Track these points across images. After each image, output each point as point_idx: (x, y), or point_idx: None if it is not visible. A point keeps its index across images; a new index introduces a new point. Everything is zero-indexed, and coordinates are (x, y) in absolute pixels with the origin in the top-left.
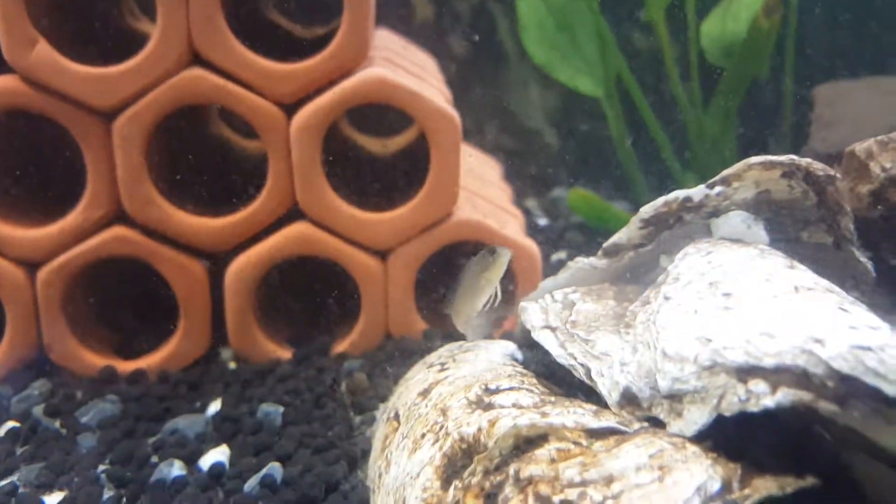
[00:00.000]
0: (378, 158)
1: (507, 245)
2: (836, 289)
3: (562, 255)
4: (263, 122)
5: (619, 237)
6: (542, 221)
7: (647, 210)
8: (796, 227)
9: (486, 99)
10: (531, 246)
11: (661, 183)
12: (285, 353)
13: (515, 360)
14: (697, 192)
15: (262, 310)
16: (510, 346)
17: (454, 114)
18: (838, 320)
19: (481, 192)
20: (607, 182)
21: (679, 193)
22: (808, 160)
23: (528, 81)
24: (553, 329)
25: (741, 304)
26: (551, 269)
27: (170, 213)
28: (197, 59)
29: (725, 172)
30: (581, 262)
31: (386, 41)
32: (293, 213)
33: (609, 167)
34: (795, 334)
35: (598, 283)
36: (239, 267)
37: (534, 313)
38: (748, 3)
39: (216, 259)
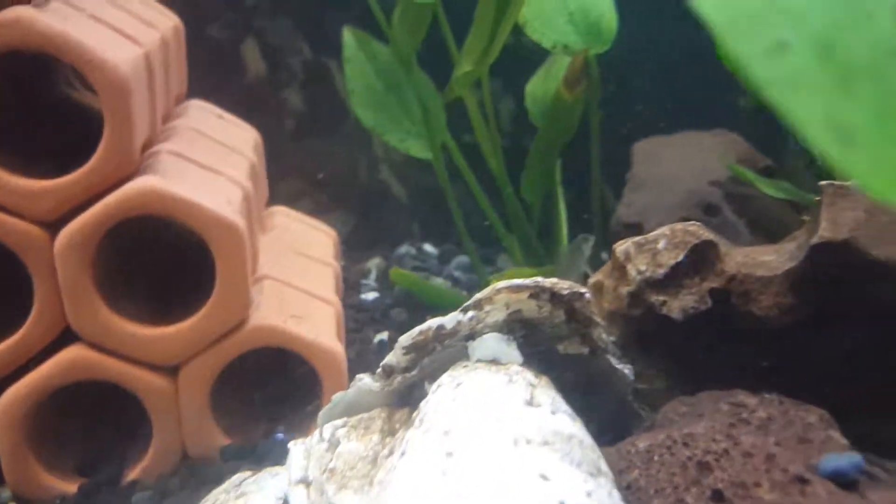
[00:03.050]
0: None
1: (306, 350)
2: (563, 429)
3: (384, 335)
4: (22, 244)
5: (389, 359)
6: (371, 296)
7: (405, 339)
8: (553, 341)
9: (327, 154)
10: (335, 350)
11: (494, 245)
12: (71, 487)
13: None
14: (450, 319)
15: (43, 441)
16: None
17: (235, 221)
18: (527, 499)
19: (296, 279)
20: (455, 237)
21: (432, 323)
22: (554, 281)
23: (371, 134)
24: (308, 484)
25: (455, 468)
26: (372, 352)
27: None
28: None
29: (477, 296)
30: (363, 380)
31: (192, 120)
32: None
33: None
34: None
35: (376, 407)
36: (7, 401)
37: (296, 459)
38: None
39: None
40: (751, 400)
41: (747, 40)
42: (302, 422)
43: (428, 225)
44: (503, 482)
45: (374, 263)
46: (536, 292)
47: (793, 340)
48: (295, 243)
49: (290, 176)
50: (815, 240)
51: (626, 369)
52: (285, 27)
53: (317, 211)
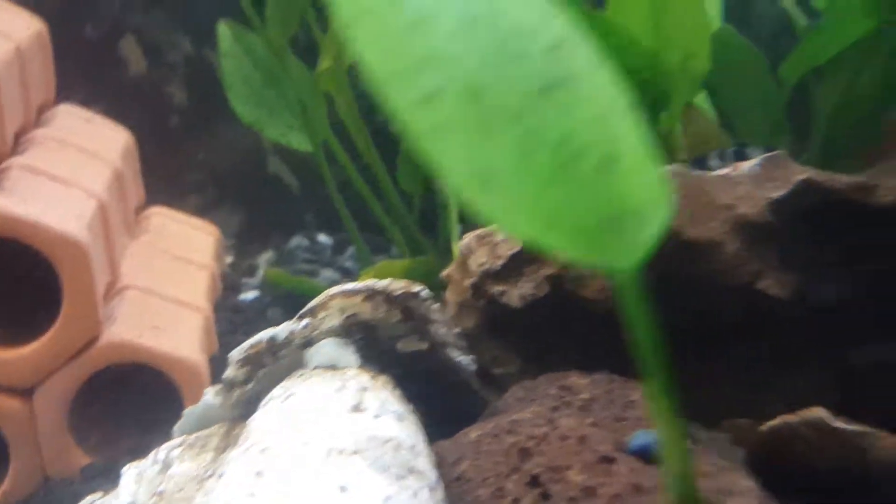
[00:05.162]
0: None
1: (163, 363)
2: (382, 433)
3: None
4: None
5: (227, 373)
6: (251, 296)
7: (236, 353)
8: (392, 340)
9: (215, 147)
10: (193, 361)
11: (382, 236)
12: None
13: None
14: (282, 329)
15: None
16: None
17: (80, 238)
18: None
19: (162, 287)
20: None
21: (264, 335)
22: (387, 282)
23: None
24: None
25: (263, 489)
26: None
27: None
28: None
29: (311, 304)
30: (206, 395)
31: (56, 128)
32: None
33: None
34: None
35: (218, 422)
36: None
37: (126, 484)
38: None
39: None
40: (582, 381)
41: (403, 91)
42: (167, 436)
43: (323, 214)
44: (303, 499)
45: (265, 258)
46: (370, 295)
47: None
48: (169, 246)
49: (176, 172)
50: None
51: (467, 360)
52: (163, 22)
53: (206, 206)
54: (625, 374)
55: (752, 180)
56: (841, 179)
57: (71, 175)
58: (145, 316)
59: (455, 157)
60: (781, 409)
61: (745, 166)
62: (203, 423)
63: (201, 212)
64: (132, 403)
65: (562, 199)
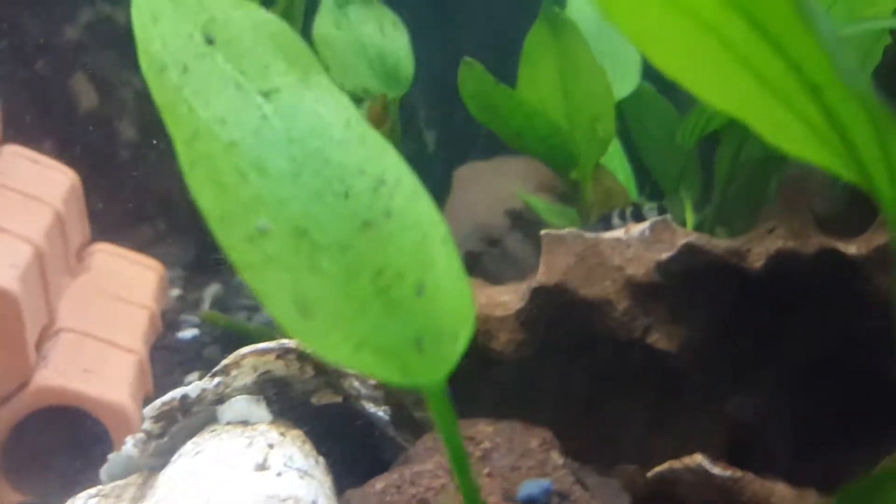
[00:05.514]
0: None
1: (92, 407)
2: (282, 491)
3: (194, 376)
4: None
5: (144, 426)
6: (190, 334)
7: (150, 410)
8: (306, 394)
9: (166, 181)
10: (121, 405)
11: None
12: None
13: None
14: (194, 388)
15: None
16: None
17: (9, 287)
18: None
19: (97, 328)
20: None
21: (176, 393)
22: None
23: None
24: None
25: None
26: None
27: None
28: None
29: (223, 362)
30: (126, 445)
31: None
32: None
33: None
34: None
35: (137, 472)
36: None
37: None
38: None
39: None
40: (487, 429)
41: (232, 229)
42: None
43: None
44: None
45: (211, 292)
46: (283, 353)
47: (530, 371)
48: (109, 286)
49: (127, 207)
50: (533, 284)
51: (381, 411)
52: (113, 59)
53: (156, 239)
54: (534, 417)
55: (641, 243)
56: (719, 244)
57: (8, 222)
58: (78, 359)
59: (278, 288)
60: (672, 454)
61: (636, 230)
62: (128, 470)
63: (152, 243)
64: (69, 443)
65: (375, 323)
